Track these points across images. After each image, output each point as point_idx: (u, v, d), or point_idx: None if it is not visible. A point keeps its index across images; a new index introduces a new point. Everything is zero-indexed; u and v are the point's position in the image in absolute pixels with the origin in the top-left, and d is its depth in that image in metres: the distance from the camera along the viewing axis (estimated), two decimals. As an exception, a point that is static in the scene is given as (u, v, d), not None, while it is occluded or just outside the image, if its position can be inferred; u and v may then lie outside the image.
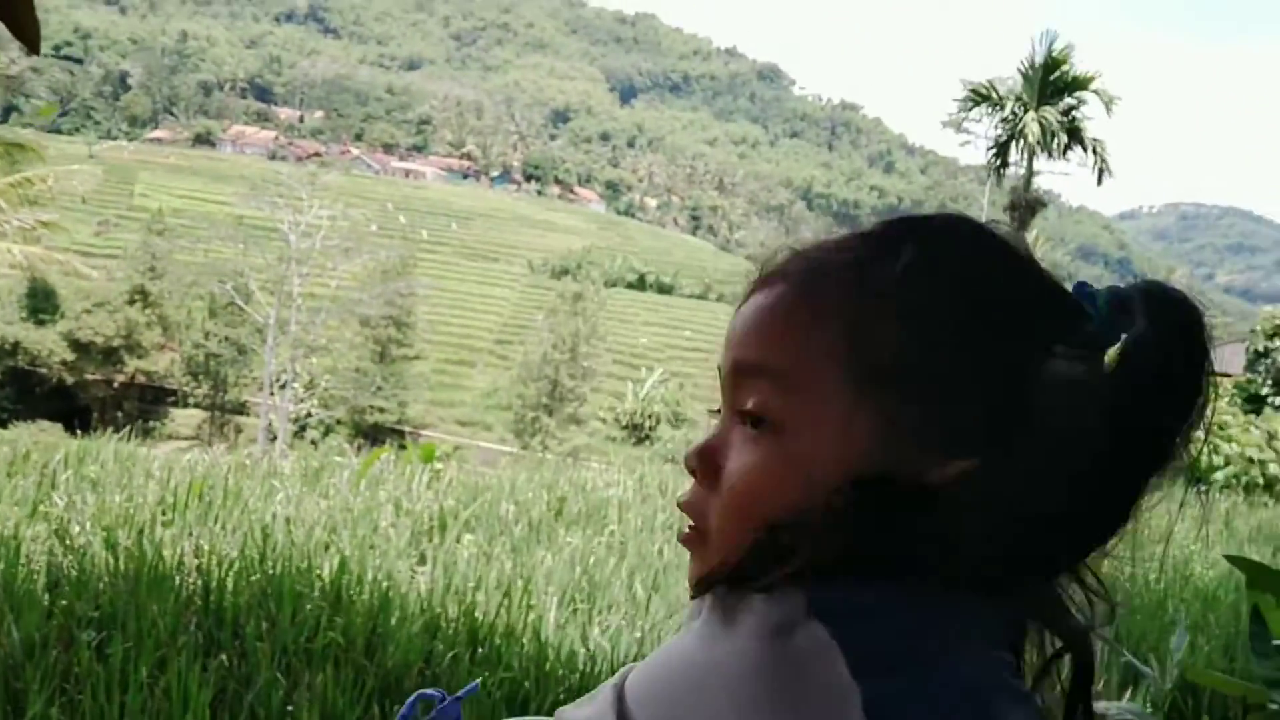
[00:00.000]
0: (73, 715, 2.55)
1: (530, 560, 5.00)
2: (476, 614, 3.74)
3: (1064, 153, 23.17)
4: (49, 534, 4.72)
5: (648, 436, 35.31)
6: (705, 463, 0.57)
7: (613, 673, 2.32)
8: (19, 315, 34.24)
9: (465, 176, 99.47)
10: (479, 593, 4.22)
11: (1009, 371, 0.52)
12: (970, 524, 0.50)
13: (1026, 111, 22.90)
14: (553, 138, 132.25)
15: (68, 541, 4.57)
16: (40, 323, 34.11)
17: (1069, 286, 0.56)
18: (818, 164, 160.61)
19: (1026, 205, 21.42)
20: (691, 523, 0.58)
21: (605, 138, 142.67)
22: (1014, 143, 22.95)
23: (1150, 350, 0.52)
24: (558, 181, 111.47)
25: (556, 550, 5.29)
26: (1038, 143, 22.64)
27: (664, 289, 54.96)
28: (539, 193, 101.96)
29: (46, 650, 2.90)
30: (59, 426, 26.24)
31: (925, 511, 0.51)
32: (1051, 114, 22.93)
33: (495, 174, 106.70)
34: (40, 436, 15.62)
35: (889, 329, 0.53)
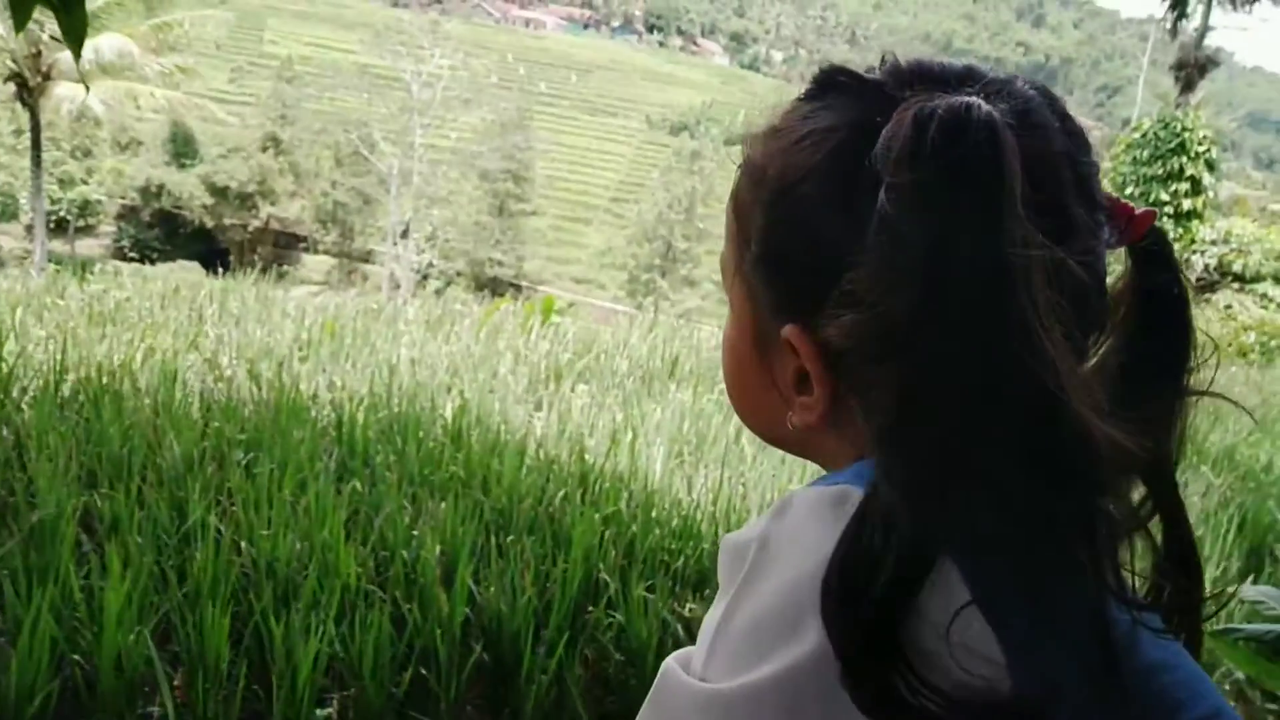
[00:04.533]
0: (227, 523, 2.81)
1: (641, 412, 5.13)
2: (587, 458, 3.89)
3: (1250, 3, 20.69)
4: (200, 363, 5.10)
5: (760, 301, 34.98)
6: None
7: (715, 520, 2.38)
8: (163, 159, 35.94)
9: (586, 26, 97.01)
10: (590, 439, 4.38)
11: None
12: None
13: (1212, -45, 20.46)
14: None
15: (216, 370, 4.93)
16: (182, 166, 35.76)
17: None
18: (959, 16, 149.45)
19: (1196, 64, 19.35)
20: None
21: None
22: (1195, -10, 20.49)
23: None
24: (680, 32, 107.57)
25: (666, 404, 5.40)
26: (1223, -10, 20.22)
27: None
28: (660, 44, 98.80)
29: (203, 466, 3.19)
30: (198, 266, 27.89)
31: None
32: (1242, -44, 20.45)
33: (616, 24, 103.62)
34: (185, 275, 16.65)
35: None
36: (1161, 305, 0.57)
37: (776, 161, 0.57)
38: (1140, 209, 0.57)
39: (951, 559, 0.47)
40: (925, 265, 0.46)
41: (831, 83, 0.58)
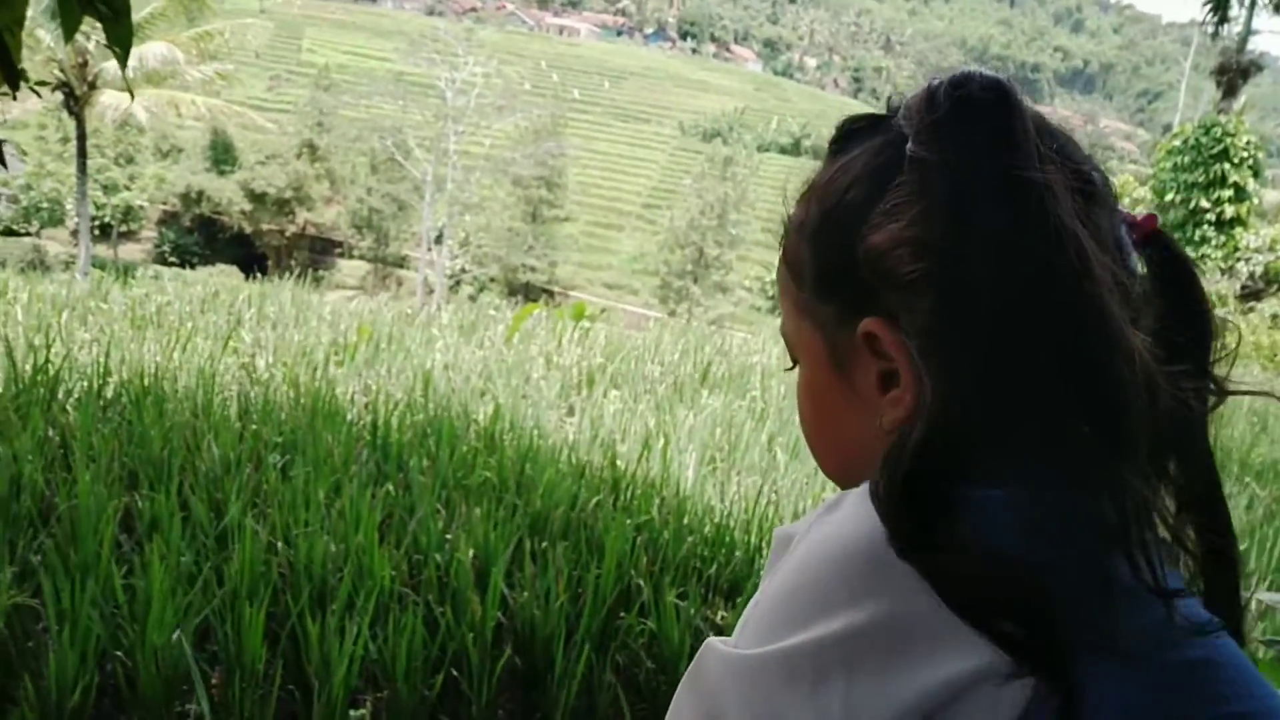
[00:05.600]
0: (264, 525, 2.85)
1: (673, 418, 5.13)
2: (620, 464, 3.89)
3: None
4: (238, 366, 5.17)
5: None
6: None
7: (748, 528, 2.37)
8: (203, 166, 36.54)
9: (619, 33, 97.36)
10: (623, 445, 4.38)
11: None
12: None
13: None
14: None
15: (254, 374, 5.00)
16: (221, 173, 36.32)
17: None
18: (996, 22, 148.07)
19: (1238, 69, 18.88)
20: None
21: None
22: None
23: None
24: (714, 39, 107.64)
25: (698, 410, 5.39)
26: (1269, -8, 19.72)
27: (820, 154, 52.70)
28: (694, 51, 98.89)
29: (240, 468, 3.24)
30: (236, 271, 28.31)
31: None
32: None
33: (649, 31, 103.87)
34: (224, 279, 16.92)
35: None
36: (1175, 290, 0.60)
37: (814, 204, 0.62)
38: (1142, 215, 0.61)
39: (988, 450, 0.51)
40: (951, 188, 0.52)
41: (849, 130, 0.64)
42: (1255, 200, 16.73)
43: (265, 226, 35.95)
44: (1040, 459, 0.50)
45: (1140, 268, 0.59)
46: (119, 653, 2.26)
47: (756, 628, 0.53)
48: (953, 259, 0.51)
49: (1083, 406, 0.50)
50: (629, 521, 3.13)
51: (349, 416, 4.22)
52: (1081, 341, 0.50)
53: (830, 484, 0.69)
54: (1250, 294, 16.20)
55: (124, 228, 34.77)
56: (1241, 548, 3.84)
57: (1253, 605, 3.32)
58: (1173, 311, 0.58)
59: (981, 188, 0.51)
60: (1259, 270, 16.17)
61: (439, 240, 33.03)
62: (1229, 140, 15.97)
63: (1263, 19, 19.98)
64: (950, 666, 0.48)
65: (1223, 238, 16.16)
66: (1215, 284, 15.76)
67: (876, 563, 0.50)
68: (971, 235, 0.51)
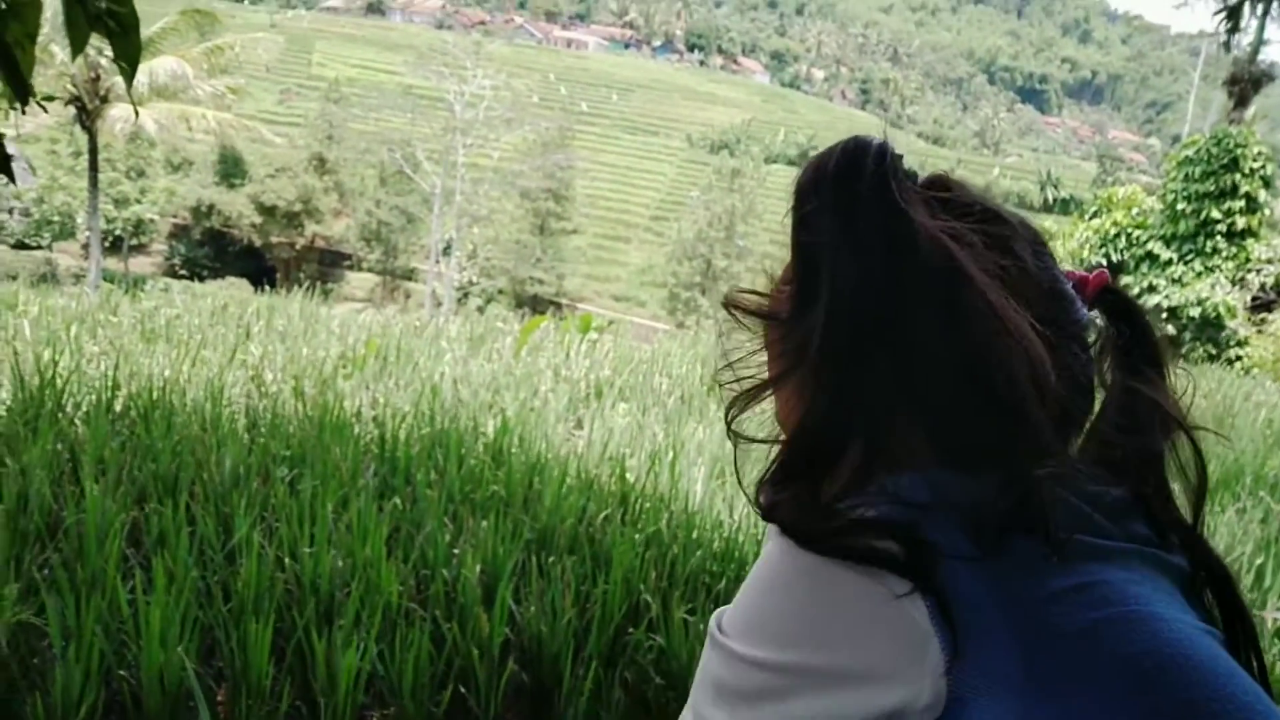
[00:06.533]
0: (271, 539, 2.84)
1: (682, 431, 5.10)
2: (628, 477, 3.87)
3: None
4: (247, 379, 5.17)
5: (800, 319, 34.68)
6: None
7: (757, 542, 2.37)
8: (213, 179, 36.74)
9: (627, 46, 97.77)
10: (631, 458, 4.35)
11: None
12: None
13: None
14: (718, 5, 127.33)
15: (262, 387, 5.00)
16: (231, 186, 36.49)
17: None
18: (1004, 33, 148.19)
19: (1250, 79, 18.74)
20: None
21: (772, 5, 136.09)
22: (1249, 3, 19.93)
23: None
24: (721, 52, 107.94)
25: (708, 423, 5.37)
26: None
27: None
28: (701, 63, 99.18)
29: (248, 482, 3.23)
30: (246, 283, 28.40)
31: None
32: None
33: (657, 44, 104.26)
34: (233, 292, 16.98)
35: None
36: (1130, 334, 0.70)
37: None
38: (1094, 272, 0.71)
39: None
40: (834, 215, 0.62)
41: None
42: (1266, 211, 16.63)
43: (275, 239, 36.08)
44: (932, 450, 0.61)
45: (1096, 320, 0.69)
46: (123, 671, 2.25)
47: (736, 621, 0.64)
48: (814, 287, 0.62)
49: (963, 400, 0.60)
50: (637, 536, 3.11)
51: (356, 430, 4.21)
52: (948, 339, 0.59)
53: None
54: (1261, 305, 16.09)
55: (135, 241, 34.96)
56: (1257, 562, 3.80)
57: (1269, 622, 3.27)
58: (1129, 351, 0.68)
59: (862, 208, 0.61)
60: (1270, 281, 16.07)
61: (447, 252, 33.12)
62: (1240, 151, 15.88)
63: (1274, 29, 19.87)
64: (868, 704, 0.58)
65: (1234, 249, 16.06)
66: (1226, 294, 15.66)
67: (814, 612, 0.60)
68: (824, 259, 0.62)
